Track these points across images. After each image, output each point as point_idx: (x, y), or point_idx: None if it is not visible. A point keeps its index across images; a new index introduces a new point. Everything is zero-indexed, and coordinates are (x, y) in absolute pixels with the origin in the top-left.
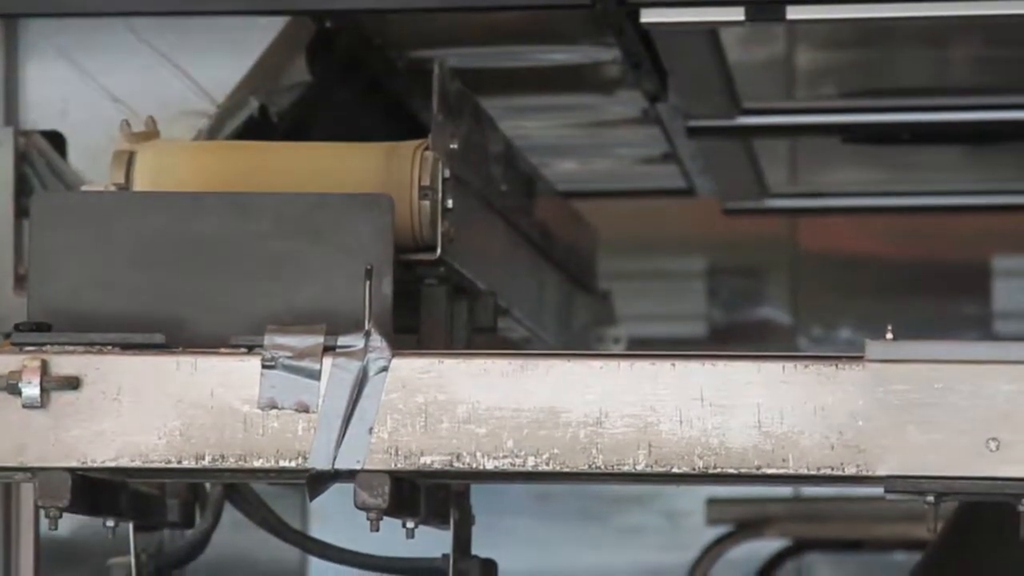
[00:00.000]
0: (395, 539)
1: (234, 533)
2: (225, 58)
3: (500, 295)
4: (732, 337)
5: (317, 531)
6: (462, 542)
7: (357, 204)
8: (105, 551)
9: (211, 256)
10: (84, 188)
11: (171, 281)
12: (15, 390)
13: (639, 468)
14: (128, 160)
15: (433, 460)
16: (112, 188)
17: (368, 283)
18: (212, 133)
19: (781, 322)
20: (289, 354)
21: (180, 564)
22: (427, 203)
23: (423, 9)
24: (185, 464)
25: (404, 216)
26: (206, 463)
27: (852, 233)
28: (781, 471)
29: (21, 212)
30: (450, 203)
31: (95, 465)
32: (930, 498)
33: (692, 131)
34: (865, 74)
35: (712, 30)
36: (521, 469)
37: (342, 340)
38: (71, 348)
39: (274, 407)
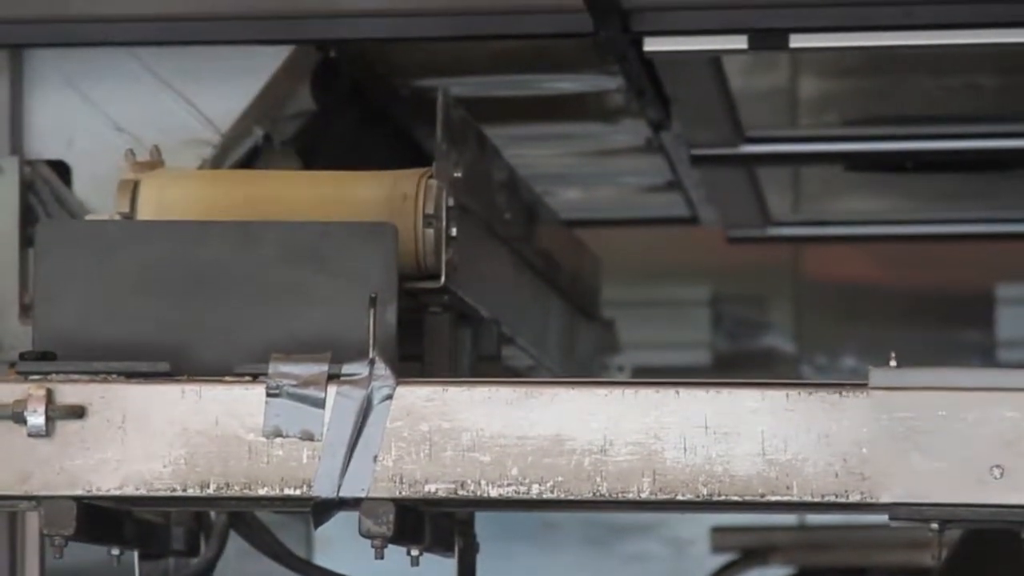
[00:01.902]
0: (400, 567)
1: (239, 561)
2: (230, 87)
3: (504, 323)
4: (736, 365)
5: (322, 559)
6: (466, 570)
7: (361, 232)
8: None
9: (216, 285)
10: (89, 217)
11: (176, 310)
12: (20, 419)
13: (643, 496)
14: (133, 189)
15: (437, 488)
16: (117, 217)
17: (372, 311)
18: (216, 162)
19: (785, 350)
20: (294, 382)
21: None
22: (431, 231)
23: (426, 38)
24: (190, 492)
25: (408, 244)
26: (211, 491)
27: (856, 261)
28: (785, 498)
29: (26, 241)
30: (454, 231)
31: (100, 493)
32: (934, 525)
33: (696, 159)
34: (868, 102)
35: (715, 58)
36: (526, 497)
37: (346, 368)
38: (76, 377)
39: (279, 435)
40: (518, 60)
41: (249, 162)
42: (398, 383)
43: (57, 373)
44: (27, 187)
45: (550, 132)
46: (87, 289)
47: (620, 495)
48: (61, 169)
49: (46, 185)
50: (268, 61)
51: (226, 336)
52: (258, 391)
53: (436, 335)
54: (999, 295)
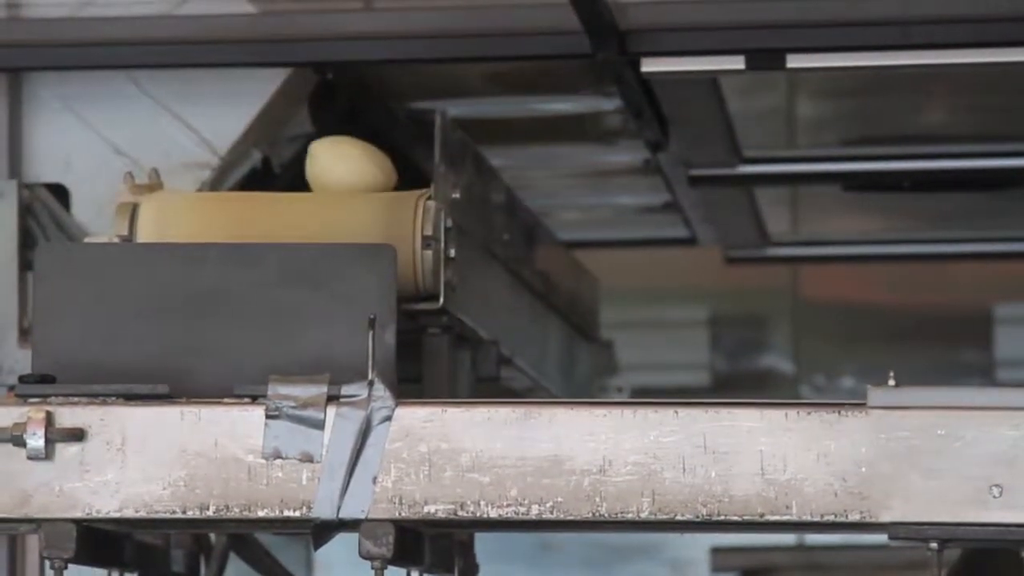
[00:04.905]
0: None
1: None
2: (228, 110)
3: (503, 344)
4: (735, 386)
5: None
6: None
7: (360, 254)
8: None
9: (215, 307)
10: (88, 240)
11: (175, 332)
12: (20, 442)
13: (643, 516)
14: (132, 212)
15: (437, 509)
16: (116, 240)
17: (371, 333)
18: (215, 184)
19: (783, 370)
20: (293, 404)
21: None
22: (429, 252)
23: (424, 60)
24: (189, 514)
25: (407, 266)
26: (210, 513)
27: (854, 281)
28: (785, 518)
29: (26, 265)
30: (452, 252)
31: (100, 516)
32: (933, 545)
33: (693, 180)
34: (865, 122)
35: (713, 79)
36: (525, 518)
37: (346, 389)
38: (75, 399)
39: (278, 457)
40: (516, 81)
41: (248, 184)
42: (397, 404)
43: (56, 396)
44: (26, 210)
45: (548, 153)
46: (86, 312)
47: (619, 515)
48: (60, 192)
49: (45, 208)
50: (266, 84)
51: (225, 358)
52: (257, 413)
53: (435, 356)
54: (997, 315)
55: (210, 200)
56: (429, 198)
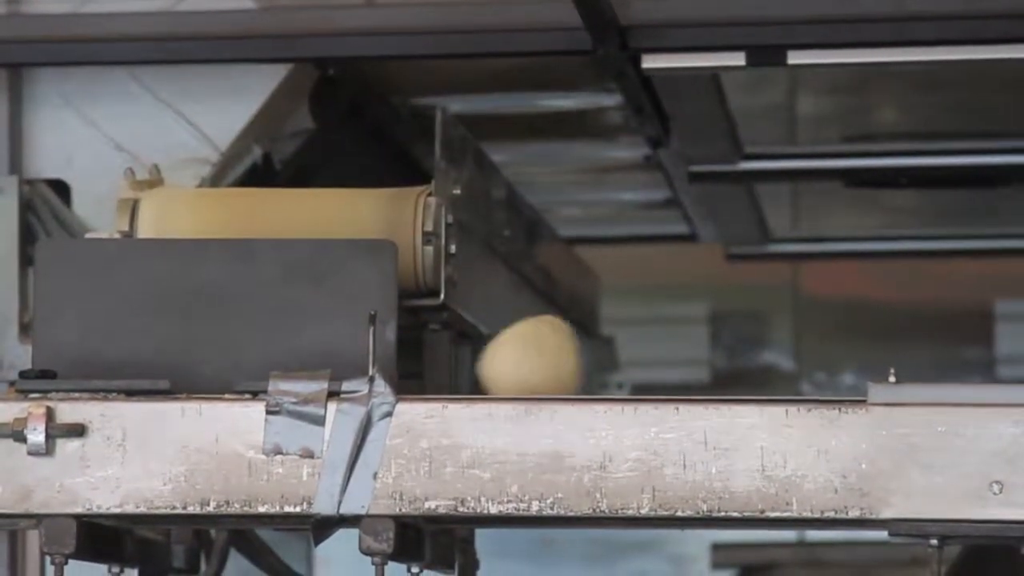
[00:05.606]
0: None
1: None
2: (228, 106)
3: None
4: (735, 382)
5: None
6: None
7: (360, 250)
8: None
9: (215, 303)
10: (88, 236)
11: (176, 328)
12: (21, 437)
13: (643, 512)
14: (132, 208)
15: (437, 505)
16: (116, 235)
17: (372, 328)
18: (216, 180)
19: (784, 367)
20: (293, 400)
21: None
22: (430, 248)
23: (425, 56)
24: (190, 510)
25: (407, 261)
26: (211, 509)
27: (854, 278)
28: (785, 514)
29: (26, 260)
30: (453, 248)
31: (100, 512)
32: (934, 541)
33: (694, 176)
34: (866, 119)
35: (714, 75)
36: (525, 514)
37: (346, 385)
38: (76, 395)
39: (279, 453)
40: (517, 78)
41: (248, 180)
42: (398, 400)
43: (57, 391)
44: (27, 206)
45: (548, 149)
46: (87, 307)
47: (620, 511)
48: (60, 188)
49: (46, 204)
50: (266, 80)
51: (226, 354)
52: (258, 409)
53: (436, 352)
54: (998, 311)
55: (211, 196)
56: (430, 194)
